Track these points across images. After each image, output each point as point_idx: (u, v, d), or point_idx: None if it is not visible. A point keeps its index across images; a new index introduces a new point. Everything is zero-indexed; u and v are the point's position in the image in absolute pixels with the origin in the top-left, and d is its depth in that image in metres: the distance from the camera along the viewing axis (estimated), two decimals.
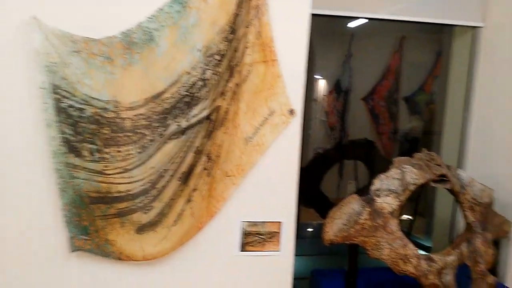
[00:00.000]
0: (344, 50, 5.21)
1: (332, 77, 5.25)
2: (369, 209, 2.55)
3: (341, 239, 2.56)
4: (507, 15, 3.13)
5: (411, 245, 2.51)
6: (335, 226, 2.57)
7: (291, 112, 2.47)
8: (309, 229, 4.46)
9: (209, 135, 2.30)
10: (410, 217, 4.66)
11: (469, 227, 2.70)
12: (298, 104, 2.49)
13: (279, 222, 2.54)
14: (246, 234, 2.50)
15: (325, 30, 4.97)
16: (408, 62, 5.38)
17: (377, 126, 5.53)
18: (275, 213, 2.54)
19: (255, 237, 2.53)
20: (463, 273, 2.66)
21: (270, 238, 2.54)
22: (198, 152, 2.29)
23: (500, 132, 3.15)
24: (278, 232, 2.55)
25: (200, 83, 2.25)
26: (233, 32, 2.27)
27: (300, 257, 3.67)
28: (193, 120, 2.26)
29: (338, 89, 5.30)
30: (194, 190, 2.34)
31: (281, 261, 2.57)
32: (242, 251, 2.52)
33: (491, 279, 2.48)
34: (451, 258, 2.62)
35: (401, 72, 5.45)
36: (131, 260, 2.35)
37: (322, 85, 5.36)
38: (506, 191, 3.05)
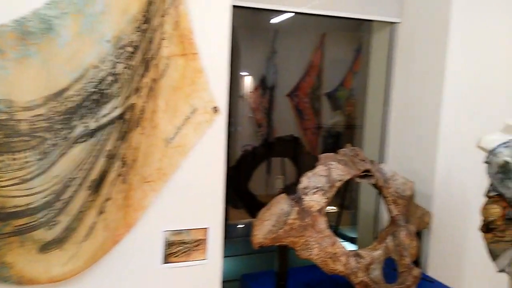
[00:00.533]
0: (268, 47, 5.18)
1: (258, 74, 5.19)
2: (297, 208, 2.48)
3: (270, 241, 2.46)
4: (423, 10, 3.25)
5: (339, 243, 2.49)
6: (264, 228, 2.47)
7: (215, 109, 2.31)
8: (238, 228, 4.35)
9: (123, 137, 2.06)
10: (335, 208, 4.76)
11: (393, 220, 2.75)
12: (222, 101, 2.33)
13: (205, 228, 2.37)
14: (169, 244, 2.30)
15: (249, 26, 4.89)
16: (329, 58, 5.49)
17: (302, 122, 5.58)
18: (201, 219, 2.36)
19: (179, 247, 2.33)
20: (389, 266, 2.70)
21: (196, 246, 2.36)
22: (111, 157, 2.04)
23: (417, 125, 3.27)
24: (205, 239, 2.38)
25: (110, 78, 1.99)
26: (147, 21, 2.05)
27: (230, 258, 3.57)
28: (104, 120, 2.00)
29: (263, 86, 5.26)
30: (107, 199, 2.08)
31: (208, 270, 2.41)
32: (165, 263, 2.31)
33: (416, 271, 2.54)
34: (378, 253, 2.65)
35: (323, 68, 5.55)
36: (35, 284, 2.03)
37: (248, 81, 5.27)
38: (424, 183, 3.17)
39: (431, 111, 3.14)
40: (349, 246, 4.12)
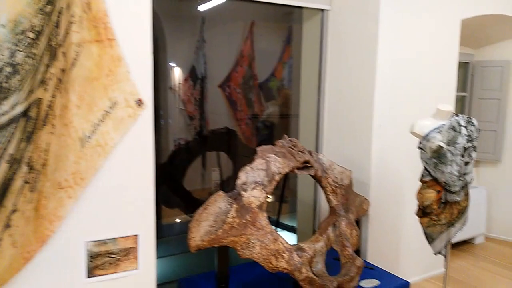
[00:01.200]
0: (196, 36, 4.94)
1: (187, 64, 4.94)
2: (236, 206, 2.31)
3: (209, 243, 2.27)
4: None
5: (281, 239, 2.37)
6: (201, 230, 2.27)
7: (139, 102, 2.06)
8: (173, 226, 4.11)
9: (28, 137, 1.75)
10: (271, 197, 4.69)
11: (333, 210, 2.69)
12: (146, 92, 2.08)
13: (135, 235, 2.13)
14: (93, 256, 2.03)
15: (176, 14, 4.62)
16: (259, 48, 5.37)
17: (236, 113, 5.44)
18: (129, 225, 2.12)
19: (105, 258, 2.07)
20: (330, 254, 2.64)
21: (125, 256, 2.12)
22: (14, 161, 1.72)
23: (351, 113, 3.25)
24: (135, 247, 2.14)
25: (9, 69, 1.68)
26: (51, 2, 1.74)
27: (166, 259, 3.33)
28: (3, 119, 1.69)
29: (194, 77, 5.02)
30: (14, 211, 1.77)
31: (140, 280, 2.17)
32: (89, 277, 2.04)
33: (359, 262, 2.51)
34: (320, 245, 2.57)
35: (254, 58, 5.43)
36: None
37: (177, 72, 5.00)
38: (361, 170, 3.16)
39: (365, 99, 3.12)
40: (289, 236, 4.08)
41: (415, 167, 2.86)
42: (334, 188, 2.70)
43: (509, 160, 4.38)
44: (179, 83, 4.98)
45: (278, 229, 4.33)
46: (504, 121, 4.33)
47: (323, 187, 2.70)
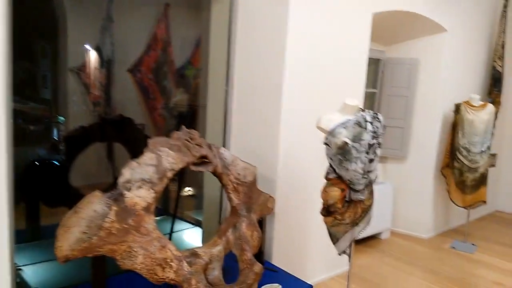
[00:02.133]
0: (103, 15, 4.44)
1: (91, 45, 4.41)
2: (116, 208, 1.97)
3: (80, 253, 1.91)
4: None
5: (170, 245, 2.07)
6: (71, 237, 1.90)
7: None
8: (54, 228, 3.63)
9: None
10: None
11: (234, 210, 2.46)
12: None
13: None
14: None
15: None
16: (177, 33, 5.01)
17: (147, 101, 5.02)
18: None
19: None
20: (232, 257, 2.41)
21: None
22: None
23: (259, 106, 3.04)
24: None
25: None
26: None
27: (46, 264, 2.89)
28: None
29: (98, 59, 4.51)
30: None
31: None
32: None
33: (258, 267, 2.30)
34: (218, 249, 2.32)
35: (170, 43, 5.05)
36: None
37: (80, 54, 4.45)
38: (268, 166, 2.97)
39: (273, 92, 2.92)
40: (196, 230, 3.84)
41: (322, 163, 2.73)
42: (236, 186, 2.47)
43: (414, 157, 4.50)
44: (81, 66, 4.44)
45: (185, 227, 4.05)
46: (411, 119, 4.43)
47: (223, 185, 2.45)
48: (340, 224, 2.59)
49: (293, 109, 2.94)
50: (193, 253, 2.23)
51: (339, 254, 2.72)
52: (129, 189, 2.03)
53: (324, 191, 2.58)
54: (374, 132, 2.52)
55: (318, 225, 3.10)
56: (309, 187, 3.11)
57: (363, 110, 2.58)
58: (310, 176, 3.11)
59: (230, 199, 2.46)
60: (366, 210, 2.64)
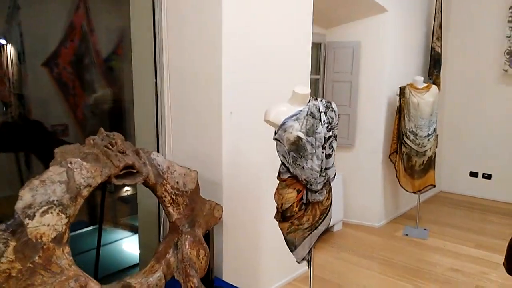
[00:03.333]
0: (6, 1, 3.75)
1: None
2: (15, 243, 1.50)
3: None
4: None
5: (93, 283, 1.63)
6: None
7: None
8: None
9: None
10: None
11: (174, 227, 2.05)
12: None
13: None
14: None
15: None
16: (97, 20, 4.39)
17: (68, 98, 4.38)
18: None
19: None
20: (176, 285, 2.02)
21: None
22: None
23: (195, 98, 2.63)
24: None
25: None
26: None
27: None
28: None
29: (7, 53, 3.83)
30: None
31: None
32: None
33: None
34: (156, 277, 1.91)
35: (92, 32, 4.43)
36: None
37: None
38: (211, 168, 2.58)
39: (212, 82, 2.53)
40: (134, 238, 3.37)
41: (273, 162, 2.40)
42: (174, 197, 2.06)
43: (361, 145, 4.33)
44: None
45: (123, 237, 3.57)
46: (356, 105, 4.24)
47: (159, 197, 2.04)
48: (297, 229, 2.27)
49: (236, 101, 2.57)
50: (125, 286, 1.80)
51: (298, 262, 2.42)
52: (31, 217, 1.56)
53: (278, 194, 2.25)
54: (329, 123, 2.22)
55: (271, 230, 2.79)
56: (260, 189, 2.78)
57: (315, 99, 2.27)
58: (261, 176, 2.78)
59: (168, 214, 2.05)
60: (326, 211, 2.35)
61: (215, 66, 2.48)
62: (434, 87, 4.12)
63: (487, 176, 5.41)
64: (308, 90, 2.23)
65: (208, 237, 2.33)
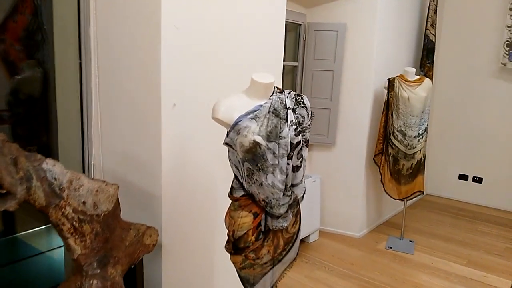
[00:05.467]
0: None
1: None
2: None
3: None
4: None
5: None
6: None
7: None
8: None
9: None
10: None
11: (77, 266, 1.46)
12: None
13: None
14: None
15: None
16: None
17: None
18: None
19: None
20: None
21: None
22: None
23: (128, 87, 2.02)
24: None
25: None
26: None
27: None
28: None
29: None
30: None
31: None
32: None
33: None
34: None
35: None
36: None
37: None
38: (147, 176, 1.98)
39: (150, 66, 1.91)
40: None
41: (226, 172, 1.83)
42: (76, 224, 1.46)
43: (342, 144, 3.78)
44: None
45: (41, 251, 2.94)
46: (338, 98, 3.68)
47: (54, 225, 1.44)
48: (254, 264, 1.70)
49: (180, 90, 1.97)
50: None
51: None
52: None
53: (229, 217, 1.68)
54: (299, 124, 1.64)
55: (226, 253, 2.25)
56: (212, 203, 2.21)
57: (280, 91, 1.69)
58: (213, 187, 2.20)
59: (68, 248, 1.45)
60: (292, 240, 1.79)
61: (153, 44, 1.87)
62: (427, 80, 3.59)
63: (478, 180, 4.95)
64: (271, 79, 1.65)
65: (134, 272, 1.74)
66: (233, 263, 1.75)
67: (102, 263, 1.50)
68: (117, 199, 1.63)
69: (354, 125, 3.72)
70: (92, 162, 2.14)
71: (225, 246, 1.78)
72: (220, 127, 1.92)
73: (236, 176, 1.66)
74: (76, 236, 1.45)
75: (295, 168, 1.64)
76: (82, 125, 2.15)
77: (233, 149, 1.60)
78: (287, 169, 1.59)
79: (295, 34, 3.63)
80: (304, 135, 1.67)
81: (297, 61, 3.65)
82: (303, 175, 1.70)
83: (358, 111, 3.68)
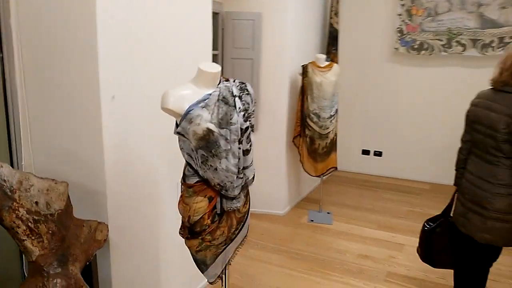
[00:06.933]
0: None
1: None
2: None
3: None
4: None
5: None
6: None
7: None
8: None
9: None
10: None
11: (36, 267, 1.41)
12: None
13: None
14: None
15: None
16: None
17: None
18: None
19: None
20: None
21: None
22: None
23: (62, 76, 1.93)
24: None
25: None
26: None
27: None
28: None
29: None
30: None
31: None
32: None
33: None
34: None
35: None
36: None
37: None
38: (89, 173, 1.93)
39: (85, 57, 1.85)
40: None
41: (176, 159, 1.87)
42: (32, 225, 1.41)
43: (264, 128, 3.98)
44: None
45: None
46: (258, 85, 3.86)
47: (8, 229, 1.37)
48: (210, 246, 1.80)
49: (119, 81, 1.94)
50: None
51: (211, 283, 1.95)
52: None
53: (183, 204, 1.74)
54: (245, 110, 1.76)
55: (174, 245, 2.30)
56: (157, 195, 2.23)
57: (226, 80, 1.79)
58: (158, 178, 2.22)
59: (25, 251, 1.40)
60: (243, 219, 1.91)
61: (89, 33, 1.81)
62: (336, 65, 3.93)
63: (378, 154, 5.57)
64: (218, 68, 1.73)
65: (89, 269, 1.72)
66: (189, 247, 1.81)
67: (62, 262, 1.46)
68: (68, 196, 1.59)
69: (274, 111, 3.94)
70: (22, 163, 2.00)
71: (179, 232, 1.83)
72: (161, 118, 1.96)
73: (189, 164, 1.72)
74: (33, 238, 1.39)
75: (245, 152, 1.76)
76: (8, 123, 1.99)
77: (185, 138, 1.66)
78: (239, 153, 1.70)
79: (214, 23, 3.69)
80: (250, 121, 1.78)
81: (217, 50, 3.73)
82: (252, 158, 1.82)
83: (277, 97, 3.90)
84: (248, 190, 1.90)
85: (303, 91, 3.85)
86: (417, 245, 2.56)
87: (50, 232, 1.45)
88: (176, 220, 2.34)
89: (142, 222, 2.19)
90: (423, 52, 4.95)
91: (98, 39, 1.80)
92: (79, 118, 1.92)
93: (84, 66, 1.86)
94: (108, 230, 1.83)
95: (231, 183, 1.69)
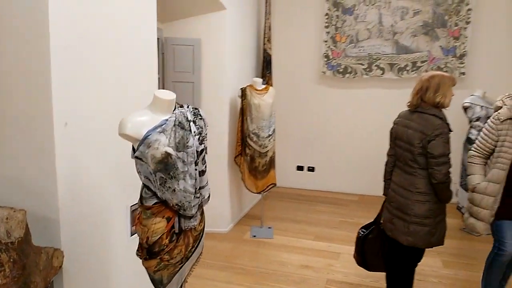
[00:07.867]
0: None
1: None
2: None
3: None
4: None
5: None
6: None
7: None
8: None
9: None
10: None
11: None
12: None
13: None
14: None
15: None
16: None
17: None
18: None
19: None
20: None
21: None
22: None
23: (16, 102, 1.92)
24: None
25: None
26: None
27: None
28: None
29: None
30: None
31: None
32: None
33: None
34: None
35: None
36: None
37: None
38: (42, 200, 1.92)
39: (38, 86, 1.87)
40: None
41: (130, 183, 1.93)
42: None
43: (208, 149, 4.08)
44: None
45: None
46: (199, 107, 3.97)
47: None
48: (168, 265, 1.87)
49: (73, 108, 1.97)
50: None
51: None
52: None
53: (141, 225, 1.81)
54: (200, 133, 1.89)
55: (128, 265, 2.32)
56: (111, 219, 2.25)
57: (181, 106, 1.91)
58: (112, 202, 2.25)
59: None
60: (199, 237, 2.02)
61: (42, 61, 1.84)
62: (272, 88, 4.19)
63: (311, 169, 5.91)
64: (173, 95, 1.85)
65: None
66: (147, 268, 1.88)
67: None
68: (27, 224, 1.59)
69: (215, 132, 4.07)
70: None
71: (137, 254, 1.89)
72: (113, 143, 2.03)
73: (147, 186, 1.80)
74: None
75: (201, 173, 1.88)
76: None
77: (143, 161, 1.75)
78: (195, 174, 1.82)
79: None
80: (204, 143, 1.91)
81: (158, 74, 3.80)
82: (207, 179, 1.95)
83: (218, 118, 4.05)
84: (203, 209, 2.01)
85: (243, 113, 4.05)
86: (353, 252, 2.83)
87: (12, 260, 1.45)
88: (128, 243, 2.38)
89: (95, 247, 2.20)
90: (347, 75, 5.43)
91: (52, 67, 1.84)
92: (32, 146, 1.91)
93: (37, 95, 1.87)
94: (63, 257, 1.84)
95: (189, 202, 1.80)
